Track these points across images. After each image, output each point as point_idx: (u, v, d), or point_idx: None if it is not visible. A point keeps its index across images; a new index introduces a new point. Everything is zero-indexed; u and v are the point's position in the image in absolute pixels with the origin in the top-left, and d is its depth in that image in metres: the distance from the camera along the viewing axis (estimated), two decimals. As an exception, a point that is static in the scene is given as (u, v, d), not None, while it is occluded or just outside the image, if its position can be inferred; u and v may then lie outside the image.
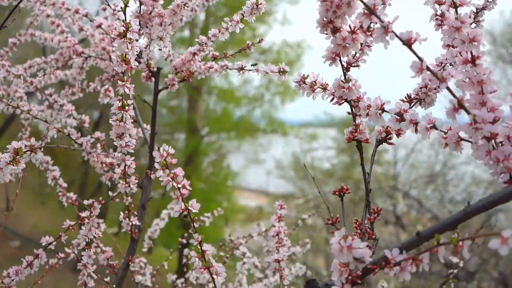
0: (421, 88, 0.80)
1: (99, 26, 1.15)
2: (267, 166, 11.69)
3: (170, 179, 0.72)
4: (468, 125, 0.59)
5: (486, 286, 5.94)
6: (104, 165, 1.13)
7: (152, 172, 1.10)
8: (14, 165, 0.76)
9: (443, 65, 0.81)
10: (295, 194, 9.44)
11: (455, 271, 1.22)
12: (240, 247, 1.47)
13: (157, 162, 0.71)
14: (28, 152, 0.75)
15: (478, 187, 7.12)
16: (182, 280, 1.45)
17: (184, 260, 1.55)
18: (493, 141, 0.61)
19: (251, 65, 1.06)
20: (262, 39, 1.16)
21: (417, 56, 0.58)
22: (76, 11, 1.19)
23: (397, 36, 0.58)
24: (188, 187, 0.73)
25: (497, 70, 9.19)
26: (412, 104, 0.81)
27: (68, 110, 1.20)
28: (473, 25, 0.85)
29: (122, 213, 1.08)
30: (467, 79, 0.63)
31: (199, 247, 0.75)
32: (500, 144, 0.61)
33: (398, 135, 0.79)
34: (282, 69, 0.97)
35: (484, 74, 0.62)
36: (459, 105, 0.60)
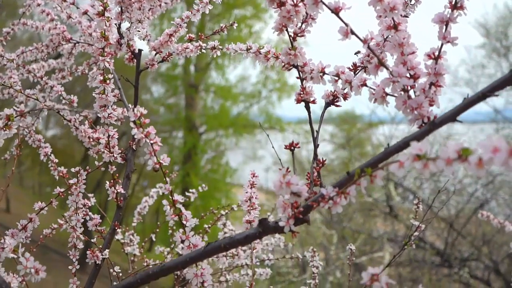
0: (365, 56, 0.91)
1: (85, 13, 1.25)
2: (266, 163, 11.77)
3: (144, 136, 0.82)
4: (387, 79, 0.70)
5: (480, 274, 6.05)
6: (91, 140, 1.24)
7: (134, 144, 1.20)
8: (7, 129, 0.86)
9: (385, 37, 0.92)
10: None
11: (416, 233, 1.32)
12: (222, 218, 1.58)
13: (132, 121, 0.81)
14: (18, 117, 0.86)
15: (472, 178, 7.23)
16: (168, 249, 1.56)
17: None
18: (413, 93, 0.72)
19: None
20: (234, 22, 1.27)
21: (343, 22, 0.69)
22: None
23: (325, 5, 0.69)
24: (160, 143, 0.83)
25: (492, 63, 9.28)
26: (358, 71, 0.91)
27: (58, 91, 1.31)
28: (413, 1, 0.96)
29: (107, 182, 1.19)
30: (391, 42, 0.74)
31: (170, 197, 0.85)
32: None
33: (344, 98, 0.89)
34: (249, 47, 1.07)
35: (404, 38, 0.72)
36: (380, 63, 0.70)
